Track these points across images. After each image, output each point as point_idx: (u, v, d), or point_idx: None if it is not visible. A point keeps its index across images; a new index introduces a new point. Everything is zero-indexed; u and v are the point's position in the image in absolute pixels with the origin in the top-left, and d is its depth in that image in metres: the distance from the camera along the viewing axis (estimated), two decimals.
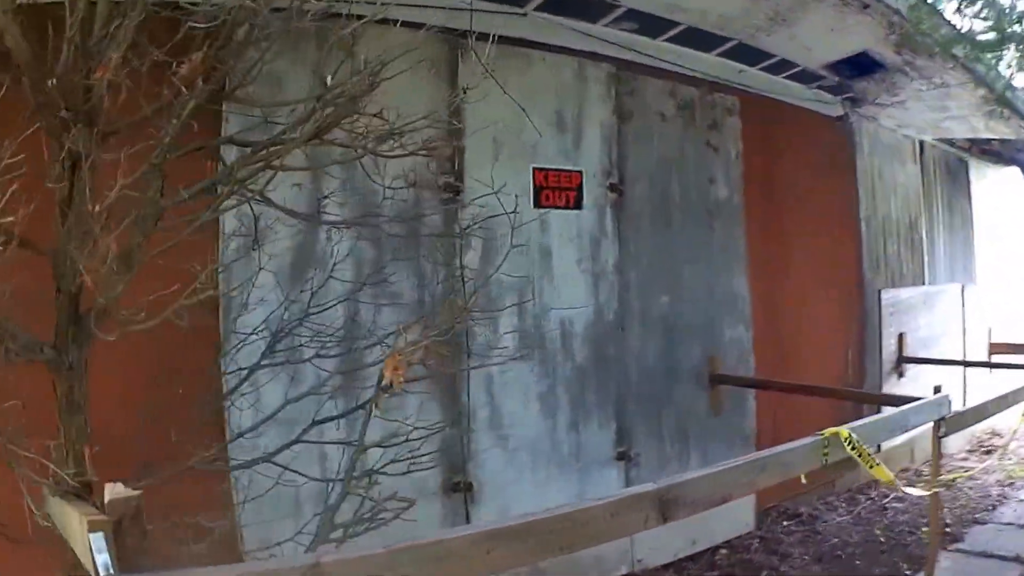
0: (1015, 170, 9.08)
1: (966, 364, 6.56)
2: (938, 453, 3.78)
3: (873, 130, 6.16)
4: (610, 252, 4.16)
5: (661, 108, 4.41)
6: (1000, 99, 5.89)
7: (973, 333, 7.67)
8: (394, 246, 3.36)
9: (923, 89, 5.65)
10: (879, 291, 5.99)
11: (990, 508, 5.73)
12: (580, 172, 4.05)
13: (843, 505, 5.70)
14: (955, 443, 7.25)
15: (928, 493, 3.91)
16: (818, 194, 5.57)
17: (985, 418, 4.53)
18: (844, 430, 2.82)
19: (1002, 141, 7.68)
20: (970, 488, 6.20)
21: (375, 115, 2.58)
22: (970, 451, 7.49)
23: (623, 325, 4.20)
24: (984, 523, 5.40)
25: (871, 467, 3.06)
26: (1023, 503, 5.92)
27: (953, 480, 4.92)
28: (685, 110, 4.54)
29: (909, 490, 3.91)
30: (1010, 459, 7.17)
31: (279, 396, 2.90)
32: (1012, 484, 6.39)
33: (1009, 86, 5.15)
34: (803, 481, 2.81)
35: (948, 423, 3.66)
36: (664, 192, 4.41)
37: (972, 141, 7.84)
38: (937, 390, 3.72)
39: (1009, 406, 4.38)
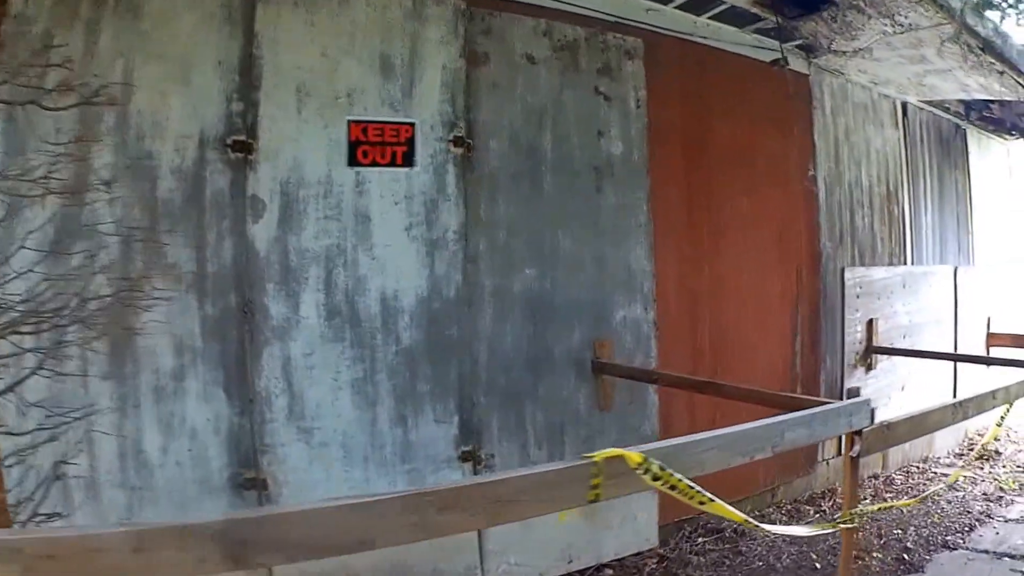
0: (1020, 144, 7.56)
1: (950, 358, 5.28)
2: (853, 478, 2.82)
3: (839, 86, 5.04)
4: (452, 217, 3.38)
5: (530, 50, 3.60)
6: (986, 46, 4.63)
7: (968, 322, 6.42)
8: (171, 213, 2.83)
9: (888, 32, 4.50)
10: (842, 269, 4.90)
11: (967, 529, 4.60)
12: (412, 124, 3.30)
13: (783, 518, 4.62)
14: (943, 443, 5.99)
15: (817, 533, 2.88)
16: (763, 155, 4.62)
17: (929, 431, 3.42)
18: (635, 454, 1.90)
19: (1001, 104, 6.33)
20: (948, 502, 4.98)
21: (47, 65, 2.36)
22: (959, 455, 6.16)
23: (470, 302, 3.41)
24: (955, 548, 4.33)
25: (701, 503, 2.14)
26: (1007, 524, 4.69)
27: (876, 510, 3.71)
28: (565, 52, 3.72)
29: (779, 530, 2.88)
30: (1004, 467, 5.81)
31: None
32: (1000, 499, 5.12)
33: (973, 10, 3.93)
34: (561, 521, 1.87)
35: (869, 439, 2.75)
36: (532, 147, 3.59)
37: (968, 105, 6.57)
38: (853, 393, 2.86)
39: (966, 417, 3.47)
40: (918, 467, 5.81)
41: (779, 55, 4.42)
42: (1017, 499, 5.37)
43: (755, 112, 4.51)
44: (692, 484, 2.01)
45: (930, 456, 5.94)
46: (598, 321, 3.69)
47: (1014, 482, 5.58)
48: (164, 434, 2.81)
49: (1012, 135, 7.57)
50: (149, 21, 2.79)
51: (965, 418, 3.41)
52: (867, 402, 2.72)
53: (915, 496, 5.19)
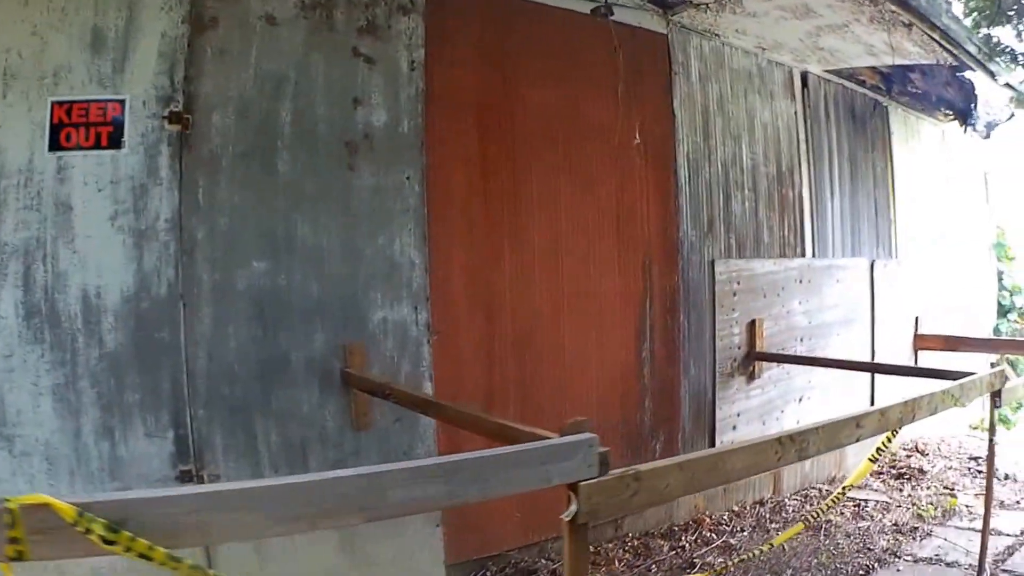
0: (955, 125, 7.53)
1: (840, 365, 5.18)
2: (573, 550, 2.26)
3: (712, 49, 5.06)
4: (164, 203, 3.53)
5: (270, 10, 3.81)
6: None
7: (890, 322, 6.39)
8: None
9: None
10: (712, 262, 4.92)
11: (861, 573, 4.54)
12: (120, 101, 3.43)
13: (627, 557, 4.54)
14: (858, 459, 5.80)
15: None
16: (596, 126, 4.73)
17: (727, 481, 3.03)
18: (66, 506, 1.64)
19: (923, 74, 6.22)
20: (847, 535, 4.89)
21: None
22: (878, 473, 6.00)
23: (186, 300, 3.55)
24: None
25: None
26: (916, 565, 4.81)
27: None
28: (316, 10, 3.88)
29: None
30: (927, 488, 5.65)
31: None
32: (915, 530, 5.02)
33: None
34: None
35: (592, 496, 2.23)
36: (266, 120, 3.72)
37: (887, 78, 6.54)
38: (571, 430, 2.33)
39: (802, 456, 2.91)
40: (820, 490, 5.67)
41: (636, 12, 4.34)
42: (936, 530, 5.32)
43: (587, 77, 4.70)
44: (178, 556, 1.73)
45: (838, 476, 5.82)
46: (349, 323, 3.84)
47: (935, 508, 5.43)
48: None
49: (946, 115, 7.55)
50: None
51: (802, 458, 2.94)
52: (588, 442, 2.27)
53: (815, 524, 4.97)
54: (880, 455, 4.35)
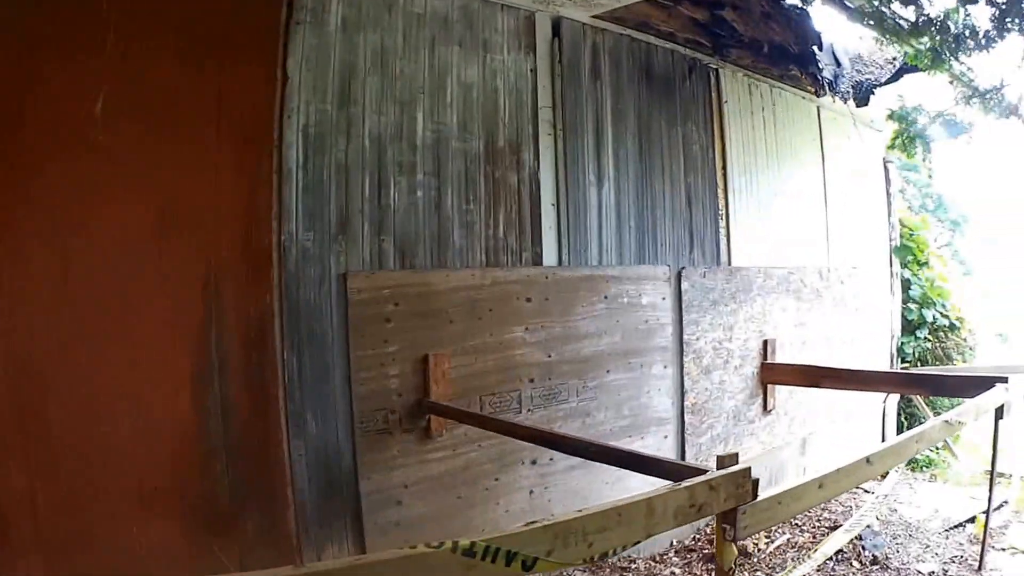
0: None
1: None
2: None
3: None
4: None
5: None
6: None
7: (713, 349, 6.05)
8: None
9: None
10: (343, 276, 4.64)
11: None
12: None
13: None
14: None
15: None
16: (150, 104, 4.62)
17: None
18: None
19: (736, 8, 5.52)
20: None
21: None
22: (688, 550, 5.39)
23: None
24: None
25: None
26: None
27: None
28: None
29: None
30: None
31: None
32: None
33: None
34: None
35: None
36: None
37: (708, 29, 5.84)
38: None
39: None
40: None
41: None
42: None
43: (128, 40, 4.47)
44: None
45: (615, 553, 5.10)
46: None
47: None
48: None
49: (812, 87, 7.26)
50: None
51: None
52: None
53: None
54: None
